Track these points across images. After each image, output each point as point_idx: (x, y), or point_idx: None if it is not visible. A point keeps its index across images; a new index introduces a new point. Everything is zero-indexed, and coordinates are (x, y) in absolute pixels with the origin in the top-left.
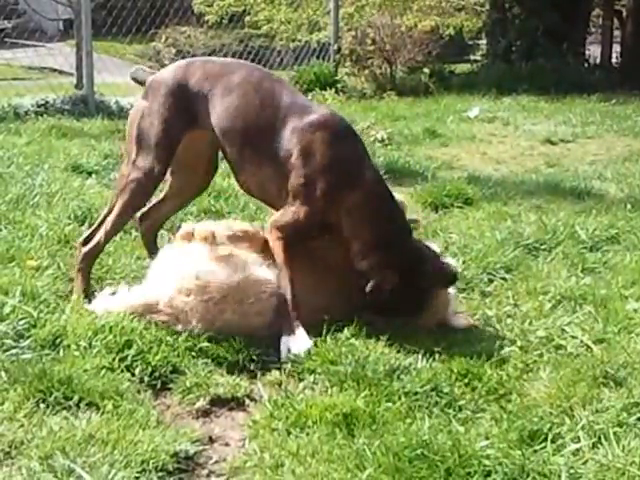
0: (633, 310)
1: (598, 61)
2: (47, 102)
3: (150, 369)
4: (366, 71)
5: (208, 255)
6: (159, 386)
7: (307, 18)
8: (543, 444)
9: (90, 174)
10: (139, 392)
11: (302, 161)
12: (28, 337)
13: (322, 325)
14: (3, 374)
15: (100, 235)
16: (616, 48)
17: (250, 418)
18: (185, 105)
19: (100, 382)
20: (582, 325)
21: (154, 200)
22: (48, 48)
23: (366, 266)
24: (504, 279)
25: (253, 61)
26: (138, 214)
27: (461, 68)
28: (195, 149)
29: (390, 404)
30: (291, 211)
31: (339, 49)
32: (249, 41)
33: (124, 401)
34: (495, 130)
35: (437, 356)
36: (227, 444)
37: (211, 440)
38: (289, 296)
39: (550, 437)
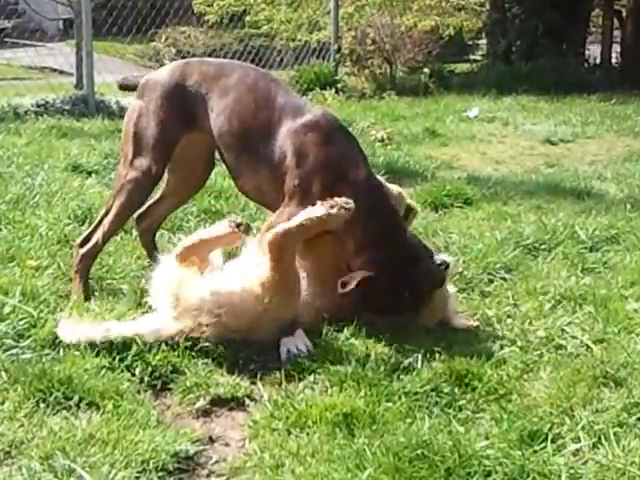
0: (633, 310)
1: (598, 61)
2: (47, 102)
3: (150, 369)
4: (366, 71)
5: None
6: (159, 386)
7: (307, 18)
8: (543, 444)
9: (90, 174)
10: (139, 392)
11: (296, 162)
12: (28, 337)
13: (322, 325)
14: (3, 374)
15: (98, 236)
16: (616, 48)
17: (250, 418)
18: (182, 106)
19: (100, 382)
20: (582, 325)
21: (151, 199)
22: (48, 48)
23: (359, 264)
24: (504, 279)
25: (253, 61)
26: (135, 214)
27: (461, 68)
28: (193, 149)
29: (390, 404)
30: (287, 212)
31: (339, 49)
32: (249, 41)
33: (124, 401)
34: (495, 130)
35: (437, 356)
36: (227, 444)
37: (211, 440)
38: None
39: (550, 437)
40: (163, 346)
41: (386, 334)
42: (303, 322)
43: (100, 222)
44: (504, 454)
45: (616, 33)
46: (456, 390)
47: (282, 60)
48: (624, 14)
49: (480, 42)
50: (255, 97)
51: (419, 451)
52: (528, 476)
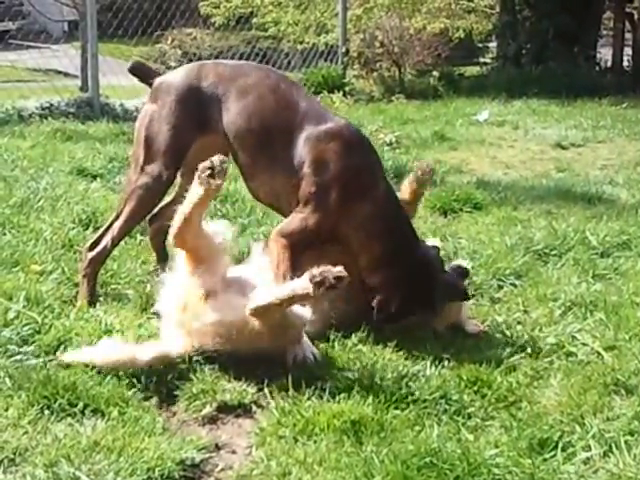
0: None
1: (609, 64)
2: (52, 105)
3: (156, 375)
4: (374, 74)
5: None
6: (165, 393)
7: (315, 20)
8: (553, 452)
9: (95, 177)
10: (145, 399)
11: (314, 169)
12: (32, 343)
13: (329, 331)
14: (7, 380)
15: (107, 240)
16: (627, 51)
17: (257, 425)
18: (197, 109)
19: (105, 389)
20: (593, 332)
21: (163, 201)
22: (53, 50)
23: (375, 282)
24: (514, 285)
25: (260, 63)
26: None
27: (470, 71)
28: (206, 152)
29: (398, 411)
30: (299, 218)
31: (347, 51)
32: (256, 43)
33: (129, 408)
34: (505, 134)
35: (446, 363)
36: (234, 451)
37: (217, 447)
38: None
39: (560, 445)
40: None
41: (394, 340)
42: (312, 330)
43: (110, 226)
44: (514, 462)
45: (627, 36)
46: (465, 397)
47: (289, 63)
48: (636, 17)
49: (490, 45)
50: (277, 98)
51: (428, 459)
52: None
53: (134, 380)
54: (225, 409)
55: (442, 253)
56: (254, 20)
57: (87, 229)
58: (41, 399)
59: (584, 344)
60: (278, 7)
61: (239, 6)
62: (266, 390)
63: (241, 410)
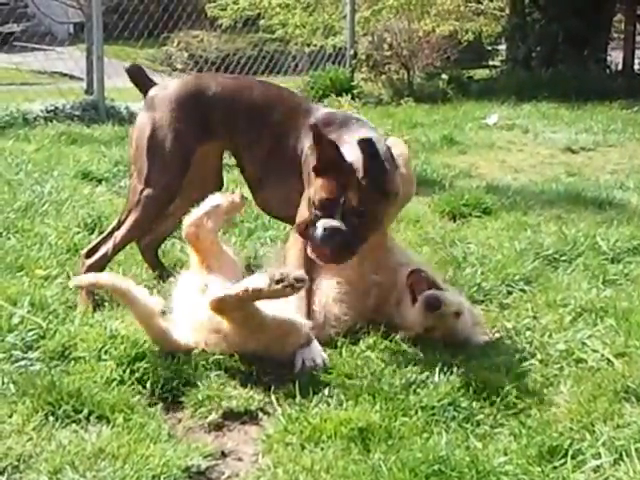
0: None
1: (620, 67)
2: (57, 108)
3: (161, 382)
4: (383, 77)
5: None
6: (170, 399)
7: (322, 22)
8: (563, 460)
9: (100, 181)
10: (150, 405)
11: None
12: (37, 348)
13: (337, 337)
14: (12, 386)
15: (107, 248)
16: (638, 54)
17: (263, 432)
18: (200, 116)
19: (110, 395)
20: (603, 338)
21: None
22: (58, 52)
23: None
24: (523, 291)
25: (267, 66)
26: None
27: (480, 74)
28: (204, 163)
29: (406, 418)
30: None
31: (355, 54)
32: (263, 45)
33: (135, 414)
34: (514, 138)
35: (455, 369)
36: (240, 459)
37: (223, 455)
38: (305, 306)
39: (570, 453)
40: (175, 358)
41: (402, 347)
42: (322, 335)
43: (110, 234)
44: (523, 470)
45: (638, 39)
46: (474, 404)
47: (297, 66)
48: None
49: (499, 47)
50: (284, 108)
51: (436, 467)
52: None
53: (139, 386)
54: (231, 416)
55: (450, 259)
56: (261, 22)
57: (92, 233)
58: (45, 405)
59: (594, 351)
60: (285, 9)
61: (246, 8)
62: (272, 397)
63: (247, 417)
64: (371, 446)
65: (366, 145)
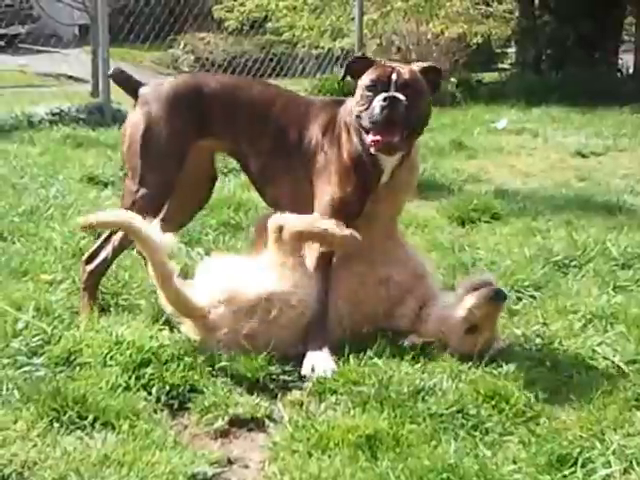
0: None
1: (631, 71)
2: (62, 110)
3: (167, 388)
4: None
5: (241, 267)
6: (176, 406)
7: (330, 25)
8: (573, 469)
9: (106, 185)
10: (156, 412)
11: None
12: (42, 354)
13: (344, 344)
14: (16, 392)
15: (107, 252)
16: None
17: (270, 439)
18: (195, 114)
19: (116, 401)
20: (613, 345)
21: None
22: (63, 54)
23: None
24: (533, 297)
25: (274, 68)
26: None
27: (489, 77)
28: (197, 163)
29: (415, 426)
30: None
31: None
32: (270, 48)
33: (140, 421)
34: (524, 142)
35: (463, 377)
36: (246, 466)
37: (230, 462)
38: (322, 310)
39: (580, 462)
40: (181, 364)
41: (410, 354)
42: (332, 338)
43: (108, 238)
44: (532, 479)
45: None
46: (483, 412)
47: (304, 69)
48: None
49: (509, 50)
50: (283, 101)
51: (444, 475)
52: None
53: (145, 392)
54: (237, 423)
55: (459, 264)
56: (268, 24)
57: (98, 238)
58: (50, 411)
59: (604, 358)
60: (293, 11)
61: (253, 10)
62: (279, 404)
63: (254, 424)
64: (379, 454)
65: None
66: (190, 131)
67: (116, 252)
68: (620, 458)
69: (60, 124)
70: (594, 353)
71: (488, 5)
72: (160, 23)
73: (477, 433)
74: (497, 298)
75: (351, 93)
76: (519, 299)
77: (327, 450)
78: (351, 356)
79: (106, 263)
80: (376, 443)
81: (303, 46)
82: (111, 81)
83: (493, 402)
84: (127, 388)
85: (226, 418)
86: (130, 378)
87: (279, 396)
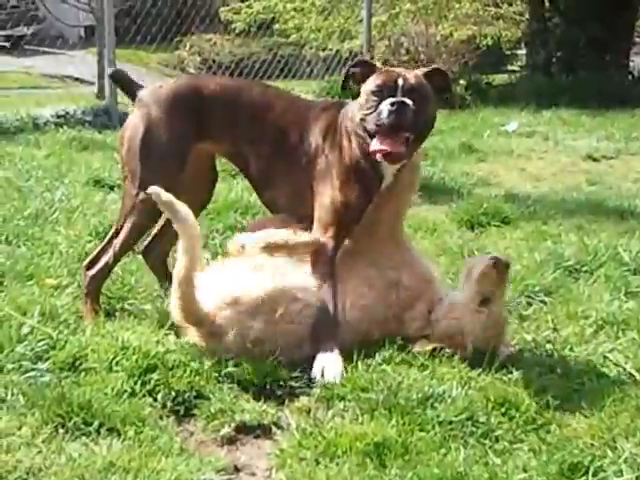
0: None
1: None
2: (68, 113)
3: (173, 394)
4: None
5: (242, 268)
6: (182, 412)
7: (338, 26)
8: (584, 477)
9: (112, 189)
10: (162, 418)
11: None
12: (47, 359)
13: (353, 350)
14: (21, 398)
15: (108, 257)
16: None
17: (277, 446)
18: (196, 116)
19: (121, 407)
20: (625, 352)
21: (154, 231)
22: (69, 56)
23: None
24: (543, 302)
25: (282, 70)
26: (142, 248)
27: (499, 79)
28: (198, 165)
29: (423, 433)
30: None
31: (372, 59)
32: (278, 50)
33: (146, 427)
34: (534, 145)
35: (473, 383)
36: (253, 474)
37: (236, 469)
38: (331, 312)
39: (591, 470)
40: (187, 370)
41: (419, 360)
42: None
43: (109, 242)
44: None
45: None
46: (493, 419)
47: (312, 71)
48: None
49: (519, 52)
50: (282, 102)
51: None
52: None
53: (151, 399)
54: (244, 429)
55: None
56: (276, 26)
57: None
58: (55, 417)
59: (616, 364)
60: (301, 13)
61: (260, 12)
62: (286, 410)
63: (261, 431)
64: (387, 462)
65: None
66: (190, 134)
67: (117, 257)
68: (632, 466)
69: (66, 126)
70: (605, 360)
71: (498, 7)
72: (167, 24)
73: (487, 441)
74: (499, 263)
75: (360, 95)
76: (529, 304)
77: (335, 458)
78: (359, 362)
79: (107, 268)
80: (384, 451)
81: (311, 48)
82: None
83: (503, 409)
84: (133, 394)
85: (233, 425)
86: (136, 384)
87: (286, 402)
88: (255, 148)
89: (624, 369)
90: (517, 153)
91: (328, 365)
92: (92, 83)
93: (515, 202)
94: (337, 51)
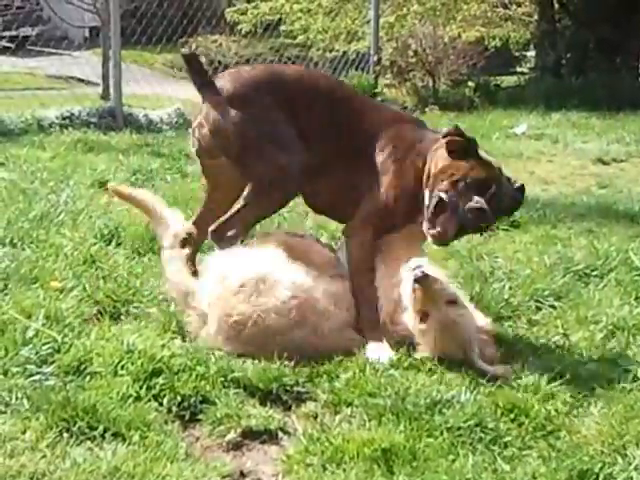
0: None
1: None
2: (73, 114)
3: (179, 398)
4: (407, 84)
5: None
6: (188, 417)
7: (345, 27)
8: None
9: None
10: (167, 423)
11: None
12: (52, 363)
13: (359, 355)
14: (25, 401)
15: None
16: None
17: (283, 452)
18: (287, 104)
19: (126, 411)
20: (636, 358)
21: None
22: (74, 57)
23: None
24: (553, 307)
25: None
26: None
27: (507, 81)
28: None
29: (431, 439)
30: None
31: (379, 60)
32: (284, 51)
33: (151, 432)
34: (543, 148)
35: (481, 389)
36: (259, 479)
37: (242, 475)
38: (373, 303)
39: (601, 477)
40: (193, 374)
41: (427, 365)
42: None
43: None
44: None
45: None
46: (501, 425)
47: None
48: None
49: (528, 54)
50: (338, 96)
51: None
52: None
53: (156, 403)
54: (250, 435)
55: (477, 273)
56: (282, 27)
57: (109, 244)
58: (60, 422)
59: (626, 370)
60: (307, 14)
61: (267, 13)
62: (293, 416)
63: (267, 436)
64: (395, 468)
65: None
66: (287, 120)
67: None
68: None
69: (71, 128)
70: (616, 365)
71: (506, 8)
72: (172, 25)
73: (496, 447)
74: (420, 280)
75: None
76: (539, 309)
77: (342, 464)
78: (367, 367)
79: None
80: (392, 457)
81: (317, 49)
82: (122, 84)
83: (512, 415)
84: (138, 398)
85: (238, 430)
86: (141, 388)
87: (293, 408)
88: (320, 138)
89: (635, 375)
90: (526, 156)
91: (382, 352)
92: (97, 84)
93: (524, 205)
94: (344, 52)
